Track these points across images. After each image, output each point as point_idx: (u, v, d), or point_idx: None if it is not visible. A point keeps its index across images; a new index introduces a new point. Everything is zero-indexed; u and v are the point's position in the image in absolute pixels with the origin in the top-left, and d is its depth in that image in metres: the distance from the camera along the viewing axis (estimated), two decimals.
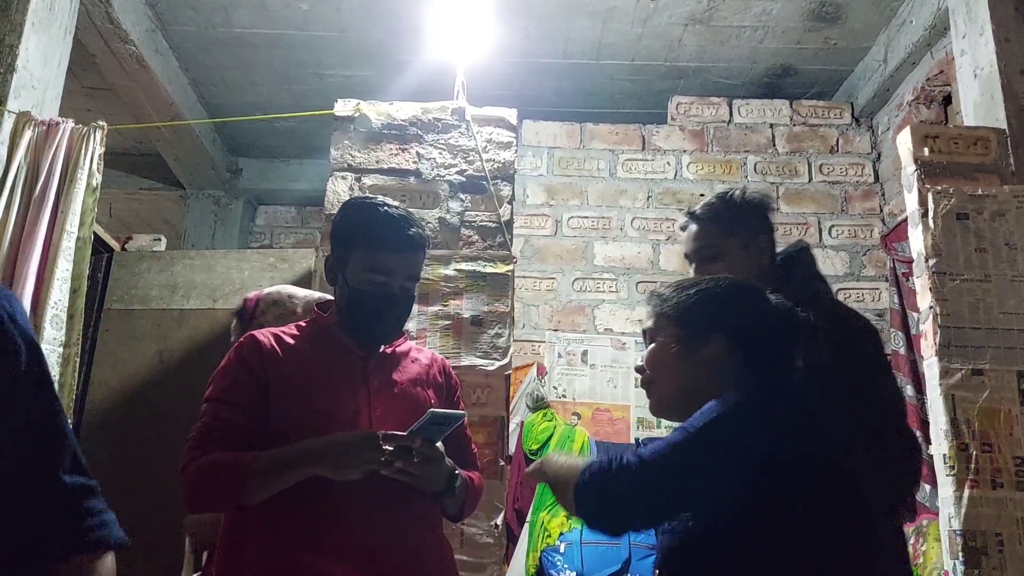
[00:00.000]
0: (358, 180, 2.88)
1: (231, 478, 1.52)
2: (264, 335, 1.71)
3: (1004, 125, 2.76)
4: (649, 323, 1.55)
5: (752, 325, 1.46)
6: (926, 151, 2.65)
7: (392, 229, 1.71)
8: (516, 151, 2.98)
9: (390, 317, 1.75)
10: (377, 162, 2.91)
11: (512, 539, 3.39)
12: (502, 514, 2.54)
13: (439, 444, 1.62)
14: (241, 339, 1.72)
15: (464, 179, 2.89)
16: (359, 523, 1.58)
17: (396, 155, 2.92)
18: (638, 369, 1.57)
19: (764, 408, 1.34)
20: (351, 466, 1.52)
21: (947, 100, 4.03)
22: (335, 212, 2.81)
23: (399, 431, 1.58)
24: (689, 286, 1.54)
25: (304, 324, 1.81)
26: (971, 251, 2.53)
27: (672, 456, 1.31)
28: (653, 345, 1.53)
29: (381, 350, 1.77)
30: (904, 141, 2.71)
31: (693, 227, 2.06)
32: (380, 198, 1.81)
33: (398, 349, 1.81)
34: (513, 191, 2.92)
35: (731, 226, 2.01)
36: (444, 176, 2.90)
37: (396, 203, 1.80)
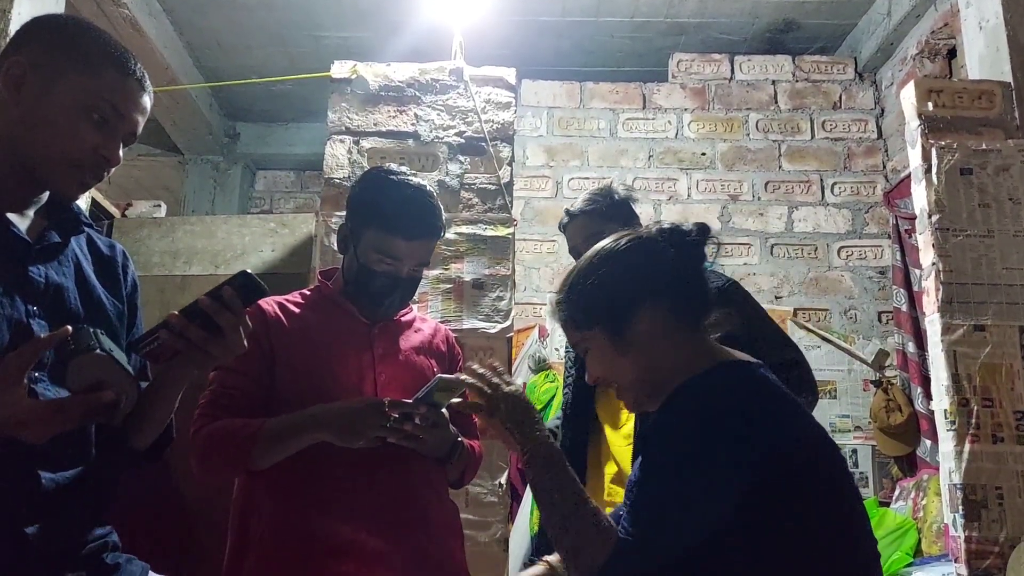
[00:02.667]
0: (356, 143, 2.86)
1: (240, 443, 1.54)
2: (268, 303, 1.72)
3: (1009, 78, 2.72)
4: (569, 337, 1.42)
5: (657, 274, 1.34)
6: (930, 106, 2.63)
7: (409, 215, 1.68)
8: (515, 112, 2.96)
9: (395, 298, 1.76)
10: (375, 125, 2.89)
11: (516, 498, 3.42)
12: (506, 473, 2.57)
13: (444, 411, 1.63)
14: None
15: (463, 141, 2.87)
16: (365, 486, 1.60)
17: (394, 117, 2.89)
18: (593, 382, 1.42)
19: (738, 381, 1.25)
20: (357, 433, 1.53)
21: (952, 54, 3.97)
22: (334, 176, 2.82)
23: (403, 397, 1.59)
24: (579, 277, 1.38)
25: (308, 292, 1.82)
26: (974, 206, 2.51)
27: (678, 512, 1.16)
28: (588, 355, 1.38)
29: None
30: (908, 96, 2.68)
31: (575, 221, 2.25)
32: (403, 174, 1.75)
33: (403, 318, 1.83)
34: (513, 152, 2.90)
35: (609, 212, 2.21)
36: (443, 138, 2.87)
37: (418, 181, 1.75)
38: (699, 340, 1.33)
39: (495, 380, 1.45)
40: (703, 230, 1.37)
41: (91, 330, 1.12)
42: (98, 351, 1.11)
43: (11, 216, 1.25)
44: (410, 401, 1.56)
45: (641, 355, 1.32)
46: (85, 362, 1.09)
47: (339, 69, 2.95)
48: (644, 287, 1.32)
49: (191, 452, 1.57)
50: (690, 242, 1.36)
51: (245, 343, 1.26)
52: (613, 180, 3.52)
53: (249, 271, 1.24)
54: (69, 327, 1.09)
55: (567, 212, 2.29)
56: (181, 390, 1.33)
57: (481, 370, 1.47)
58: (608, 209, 2.22)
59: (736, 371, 1.29)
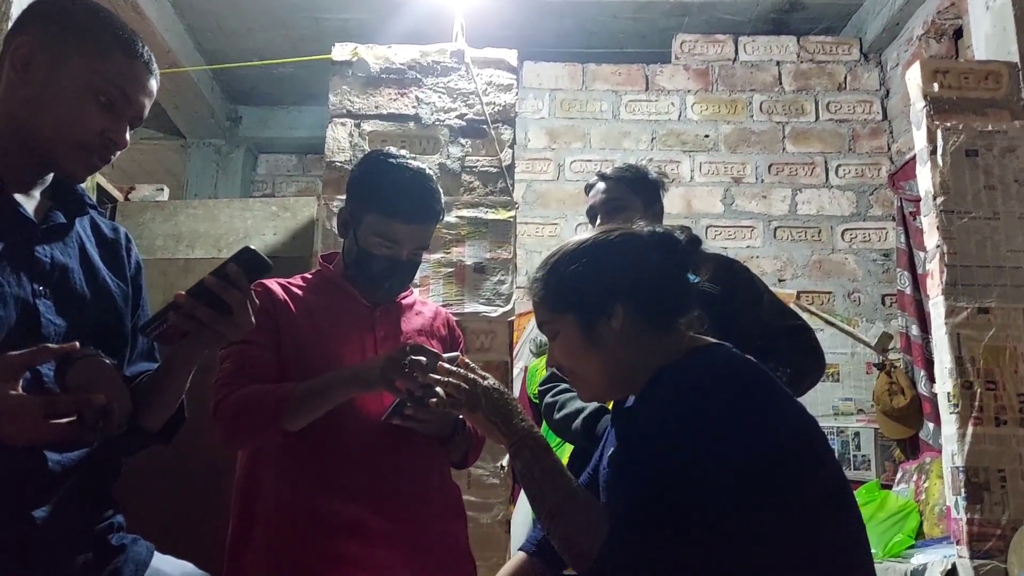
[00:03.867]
0: (358, 126, 2.85)
1: (273, 406, 1.53)
2: (274, 284, 1.73)
3: (1016, 59, 2.70)
4: (539, 316, 1.39)
5: (640, 276, 1.31)
6: (935, 87, 2.61)
7: (408, 199, 1.68)
8: (517, 94, 2.94)
9: (394, 282, 1.75)
10: (376, 107, 2.87)
11: (518, 480, 3.43)
12: (507, 456, 2.57)
13: None
14: (252, 286, 1.73)
15: (464, 123, 2.85)
16: (369, 465, 1.60)
17: (395, 100, 2.88)
18: (556, 368, 1.41)
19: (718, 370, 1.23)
20: (378, 374, 1.49)
21: (958, 34, 3.94)
22: (336, 160, 2.81)
23: None
24: (562, 260, 1.36)
25: (310, 276, 1.83)
26: (980, 188, 2.50)
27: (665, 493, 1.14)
28: (555, 340, 1.37)
29: None
30: (913, 77, 2.66)
31: (602, 184, 2.24)
32: (403, 158, 1.75)
33: (403, 301, 1.83)
34: (514, 135, 2.89)
35: (637, 186, 2.21)
36: (444, 120, 2.86)
37: (418, 165, 1.74)
38: (670, 338, 1.32)
39: (471, 376, 1.41)
40: (694, 242, 1.38)
41: (97, 350, 1.13)
42: (102, 358, 1.11)
43: (17, 197, 1.25)
44: (419, 360, 1.49)
45: (609, 351, 1.31)
46: (86, 365, 1.09)
47: (340, 52, 2.93)
48: (623, 285, 1.31)
49: (217, 422, 1.56)
50: (679, 251, 1.36)
51: (253, 319, 1.25)
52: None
53: (252, 247, 1.23)
54: (77, 343, 1.09)
55: (598, 175, 2.28)
56: (192, 370, 1.33)
57: (453, 368, 1.42)
58: (636, 183, 2.22)
59: (709, 354, 1.29)
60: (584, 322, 1.31)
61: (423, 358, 1.46)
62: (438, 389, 1.37)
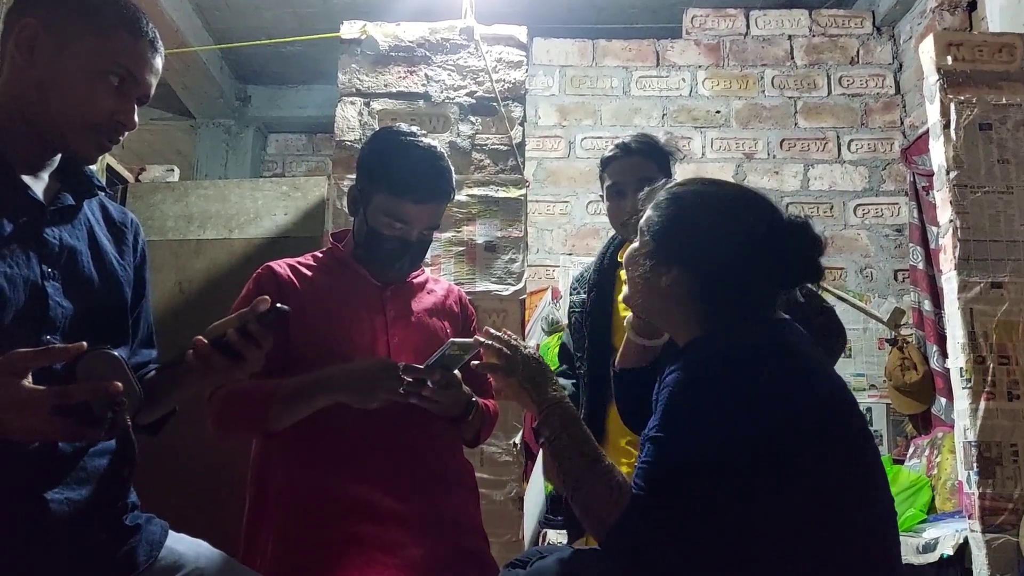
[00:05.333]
0: (367, 105, 2.84)
1: (256, 405, 1.55)
2: (280, 266, 1.72)
3: None
4: (642, 220, 1.41)
5: (721, 261, 1.29)
6: (949, 60, 2.58)
7: (418, 177, 1.66)
8: (527, 71, 2.92)
9: (405, 261, 1.75)
10: (386, 86, 2.86)
11: (531, 457, 3.45)
12: (520, 433, 2.58)
13: (456, 372, 1.63)
14: (259, 270, 1.73)
15: (474, 101, 2.84)
16: (380, 445, 1.61)
17: (404, 78, 2.87)
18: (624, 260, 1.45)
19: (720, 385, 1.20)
20: (371, 394, 1.54)
21: (972, 6, 3.88)
22: (345, 138, 2.80)
23: (416, 359, 1.60)
24: (673, 195, 1.38)
25: (320, 255, 1.82)
26: (993, 162, 2.48)
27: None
28: (634, 244, 1.40)
29: None
30: (926, 50, 2.63)
31: (629, 159, 2.11)
32: (414, 135, 1.73)
33: (415, 280, 1.82)
34: (524, 112, 2.87)
35: (659, 159, 2.12)
36: (454, 98, 2.85)
37: (429, 143, 1.72)
38: (718, 313, 1.31)
39: (513, 342, 1.47)
40: (818, 247, 1.33)
41: (107, 345, 1.13)
42: (111, 351, 1.11)
43: (25, 179, 1.25)
44: (422, 367, 1.56)
45: (654, 292, 1.34)
46: (96, 358, 1.10)
47: (348, 29, 2.92)
48: (689, 253, 1.31)
49: (208, 414, 1.59)
50: (796, 249, 1.31)
51: (263, 364, 1.28)
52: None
53: (280, 306, 1.26)
54: (84, 343, 1.09)
55: (620, 146, 2.15)
56: (191, 392, 1.37)
57: (497, 333, 1.49)
58: (658, 156, 2.13)
59: (748, 327, 1.29)
60: (652, 252, 1.35)
61: (420, 375, 1.56)
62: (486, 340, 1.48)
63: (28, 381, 1.04)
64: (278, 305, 1.26)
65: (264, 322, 1.24)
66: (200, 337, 1.23)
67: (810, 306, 2.10)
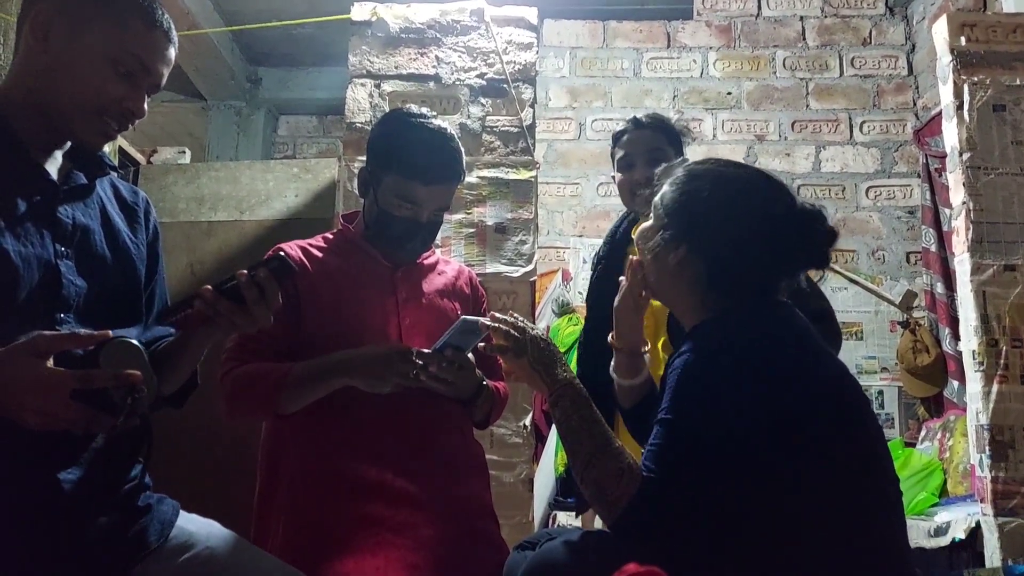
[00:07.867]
0: (377, 87, 2.83)
1: (267, 388, 1.56)
2: (292, 248, 1.72)
3: None
4: (659, 195, 1.40)
5: (732, 242, 1.29)
6: (963, 40, 2.55)
7: (429, 158, 1.66)
8: (537, 52, 2.91)
9: (415, 243, 1.75)
10: (396, 67, 2.85)
11: (541, 439, 3.46)
12: (530, 415, 2.59)
13: (468, 354, 1.64)
14: (269, 253, 1.74)
15: (484, 83, 2.83)
16: (392, 427, 1.62)
17: (415, 60, 2.86)
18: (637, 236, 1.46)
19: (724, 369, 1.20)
20: (383, 380, 1.54)
21: None
22: (356, 120, 2.80)
23: (427, 340, 1.61)
24: (689, 172, 1.38)
25: (331, 236, 1.82)
26: (1007, 144, 2.46)
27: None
28: (648, 222, 1.40)
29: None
30: (940, 30, 2.60)
31: (641, 133, 2.13)
32: (424, 117, 1.73)
33: (425, 261, 1.83)
34: (535, 94, 2.86)
35: (671, 136, 2.13)
36: (464, 80, 2.84)
37: (439, 124, 1.72)
38: (724, 296, 1.32)
39: (520, 323, 1.47)
40: (831, 236, 1.33)
41: (129, 336, 1.15)
42: (133, 341, 1.13)
43: (38, 159, 1.26)
44: (431, 351, 1.57)
45: (663, 269, 1.35)
46: (117, 348, 1.11)
47: (359, 11, 2.91)
48: (699, 233, 1.31)
49: (220, 394, 1.60)
50: (809, 236, 1.31)
51: (271, 318, 1.29)
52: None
53: (283, 254, 1.29)
54: (110, 332, 1.11)
55: (631, 120, 2.17)
56: (206, 348, 1.37)
57: (503, 316, 1.50)
58: (670, 132, 2.14)
59: (756, 309, 1.29)
60: (664, 228, 1.35)
61: (432, 359, 1.56)
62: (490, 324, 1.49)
63: (50, 363, 1.06)
64: (281, 254, 1.29)
65: (270, 267, 1.26)
66: (206, 286, 1.25)
67: (815, 306, 2.08)
